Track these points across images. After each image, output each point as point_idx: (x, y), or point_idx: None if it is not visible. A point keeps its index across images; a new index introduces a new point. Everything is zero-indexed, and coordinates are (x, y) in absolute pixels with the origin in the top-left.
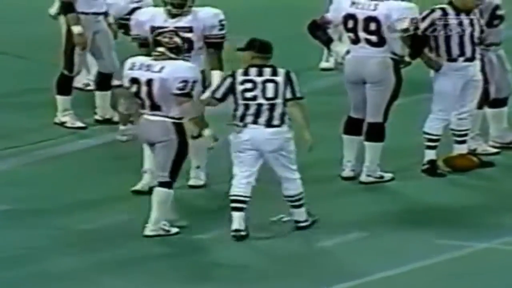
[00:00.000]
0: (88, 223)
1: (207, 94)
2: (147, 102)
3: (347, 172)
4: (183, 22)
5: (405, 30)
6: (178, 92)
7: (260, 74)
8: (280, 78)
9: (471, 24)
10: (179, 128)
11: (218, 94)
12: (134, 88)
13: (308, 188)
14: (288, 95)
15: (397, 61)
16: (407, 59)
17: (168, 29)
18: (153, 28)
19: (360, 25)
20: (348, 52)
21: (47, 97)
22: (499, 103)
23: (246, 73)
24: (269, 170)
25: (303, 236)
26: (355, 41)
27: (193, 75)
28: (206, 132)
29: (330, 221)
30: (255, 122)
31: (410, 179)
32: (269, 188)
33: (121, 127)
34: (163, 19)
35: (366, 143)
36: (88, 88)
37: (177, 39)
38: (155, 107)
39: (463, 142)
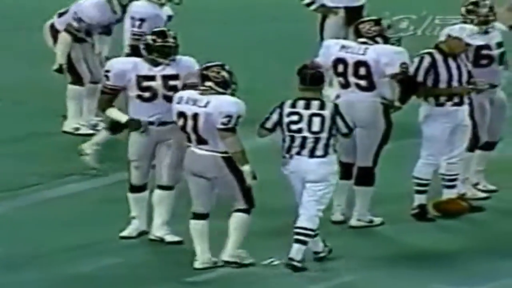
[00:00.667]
0: (75, 267)
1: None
2: (193, 136)
3: (337, 216)
4: (169, 70)
5: (395, 75)
6: (222, 127)
7: (307, 107)
8: (327, 112)
9: (458, 68)
10: (230, 162)
11: (269, 125)
12: (180, 122)
13: None
14: (344, 130)
15: (387, 106)
16: (397, 103)
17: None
18: (139, 78)
19: (350, 70)
20: (338, 96)
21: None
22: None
23: (293, 105)
24: None
25: (294, 279)
26: (345, 85)
27: (237, 109)
28: (246, 168)
29: (321, 265)
30: (299, 153)
31: (400, 224)
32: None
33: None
34: (147, 67)
35: (356, 187)
36: (78, 132)
37: (224, 73)
38: (201, 141)
39: (453, 186)
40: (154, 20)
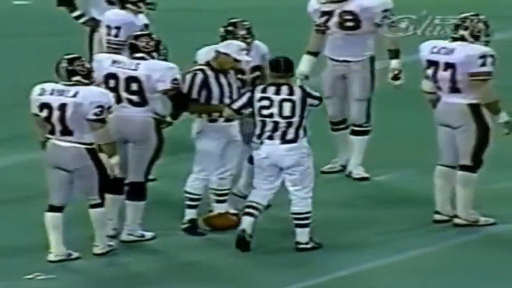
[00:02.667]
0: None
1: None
2: (58, 127)
3: (108, 231)
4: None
5: (166, 91)
6: (94, 117)
7: (277, 92)
8: (296, 97)
9: (229, 85)
10: (93, 154)
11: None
12: (44, 113)
13: None
14: (316, 103)
15: (159, 121)
16: (168, 119)
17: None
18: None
19: (122, 85)
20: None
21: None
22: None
23: (264, 90)
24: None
25: None
26: (117, 100)
27: (107, 100)
28: (114, 160)
29: None
30: (270, 137)
31: (171, 237)
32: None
33: None
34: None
35: (127, 202)
36: None
37: (88, 65)
38: (66, 132)
39: (223, 201)
40: (130, 28)
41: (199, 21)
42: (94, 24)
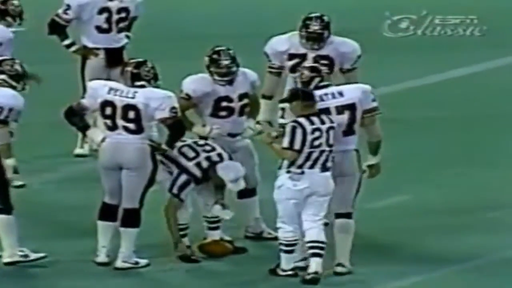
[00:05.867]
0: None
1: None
2: None
3: (101, 258)
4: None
5: (164, 119)
6: None
7: (322, 122)
8: (335, 124)
9: None
10: None
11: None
12: None
13: None
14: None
15: (154, 148)
16: (164, 146)
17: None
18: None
19: (119, 113)
20: (104, 139)
21: None
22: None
23: (311, 122)
24: None
25: None
26: (112, 128)
27: (11, 102)
28: (9, 162)
29: None
30: (312, 167)
31: (166, 265)
32: None
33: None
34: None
35: (121, 228)
36: None
37: (18, 67)
38: None
39: (216, 228)
40: (11, 43)
41: (185, 49)
42: (85, 52)
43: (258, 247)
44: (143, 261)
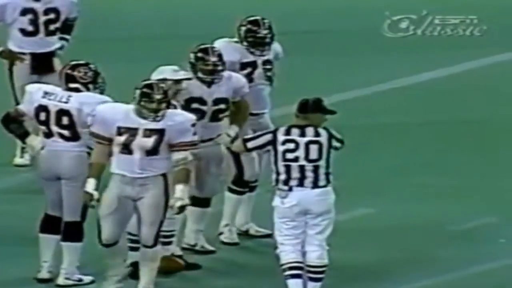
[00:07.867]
0: None
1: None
2: None
3: (43, 274)
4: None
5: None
6: None
7: (302, 134)
8: (322, 138)
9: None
10: None
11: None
12: None
13: None
14: (338, 146)
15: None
16: None
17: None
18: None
19: (52, 118)
20: (43, 147)
21: None
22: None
23: (288, 132)
24: None
25: None
26: (48, 134)
27: None
28: None
29: None
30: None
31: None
32: None
33: None
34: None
35: (63, 243)
36: None
37: None
38: None
39: (169, 243)
40: None
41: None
42: (10, 56)
43: (210, 261)
44: (87, 278)
